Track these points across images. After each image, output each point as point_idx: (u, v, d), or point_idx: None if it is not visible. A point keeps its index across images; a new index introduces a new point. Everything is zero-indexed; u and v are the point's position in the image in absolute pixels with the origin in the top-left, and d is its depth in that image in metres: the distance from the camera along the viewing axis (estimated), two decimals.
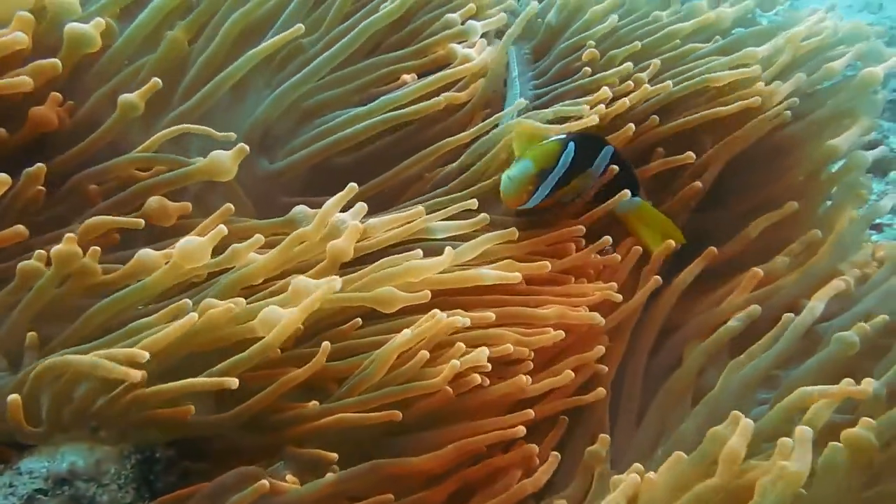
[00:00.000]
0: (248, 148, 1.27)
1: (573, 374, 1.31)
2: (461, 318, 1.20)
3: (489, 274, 1.29)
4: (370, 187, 1.50)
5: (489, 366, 1.21)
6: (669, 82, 1.59)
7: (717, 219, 1.67)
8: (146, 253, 1.14)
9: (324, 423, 1.16)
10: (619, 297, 1.40)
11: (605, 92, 1.55)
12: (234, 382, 1.06)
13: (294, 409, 1.18)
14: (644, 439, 1.36)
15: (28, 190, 1.21)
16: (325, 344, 1.13)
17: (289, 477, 1.15)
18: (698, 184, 1.60)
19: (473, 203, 1.39)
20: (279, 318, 1.08)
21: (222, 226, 1.13)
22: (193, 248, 1.10)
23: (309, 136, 1.50)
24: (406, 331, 1.16)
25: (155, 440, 1.13)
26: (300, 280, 1.13)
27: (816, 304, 1.37)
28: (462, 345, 1.20)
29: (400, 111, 1.50)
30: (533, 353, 1.28)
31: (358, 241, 1.22)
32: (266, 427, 1.19)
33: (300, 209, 1.30)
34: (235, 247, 1.15)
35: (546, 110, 1.57)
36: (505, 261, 1.36)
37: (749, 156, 1.66)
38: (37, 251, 1.12)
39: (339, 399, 1.19)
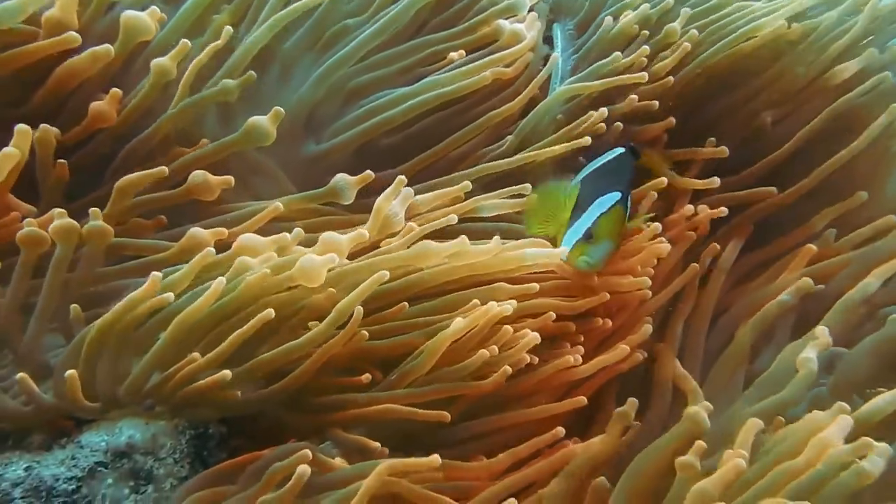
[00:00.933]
0: (282, 111, 1.30)
1: (627, 348, 1.32)
2: (509, 307, 1.20)
3: (533, 253, 1.28)
4: (416, 163, 1.51)
5: (538, 338, 1.22)
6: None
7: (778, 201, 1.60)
8: (198, 231, 1.18)
9: (371, 411, 1.18)
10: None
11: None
12: (270, 313, 1.09)
13: (342, 392, 1.20)
14: None
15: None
16: (359, 310, 1.13)
17: (337, 459, 1.18)
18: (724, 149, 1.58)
19: (526, 187, 1.40)
20: (315, 263, 1.09)
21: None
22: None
23: (354, 117, 1.50)
24: (458, 319, 1.16)
25: (207, 417, 1.17)
26: (329, 234, 1.15)
27: (871, 282, 1.32)
28: (509, 328, 1.20)
29: (445, 89, 1.49)
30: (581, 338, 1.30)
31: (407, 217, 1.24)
32: (313, 409, 1.21)
33: (341, 177, 1.31)
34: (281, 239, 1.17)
35: (558, 90, 1.55)
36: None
37: (812, 133, 1.60)
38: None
39: (389, 387, 1.20)
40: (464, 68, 1.51)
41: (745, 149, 1.63)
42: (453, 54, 1.55)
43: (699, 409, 1.08)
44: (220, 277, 1.08)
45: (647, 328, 1.35)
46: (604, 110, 1.51)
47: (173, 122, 1.32)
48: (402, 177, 1.26)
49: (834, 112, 1.58)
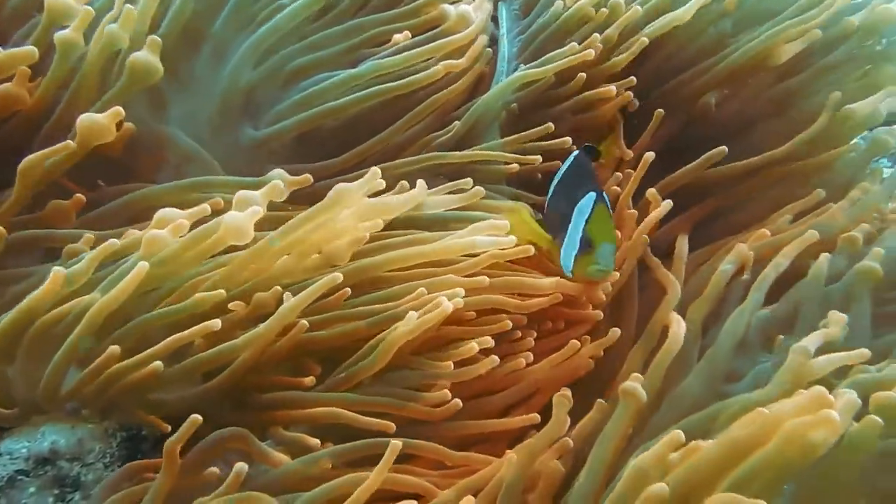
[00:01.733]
0: (159, 40, 1.23)
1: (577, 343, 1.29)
2: (460, 300, 1.15)
3: (483, 241, 1.23)
4: (361, 151, 1.45)
5: (497, 361, 1.20)
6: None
7: (721, 174, 1.59)
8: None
9: (315, 413, 1.13)
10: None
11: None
12: (216, 324, 1.04)
13: (286, 388, 1.15)
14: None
15: None
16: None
17: (280, 456, 1.12)
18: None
19: (468, 182, 1.36)
20: (240, 219, 1.03)
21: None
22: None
23: (295, 102, 1.43)
24: (411, 314, 1.11)
25: (140, 419, 1.10)
26: (242, 192, 1.09)
27: (781, 262, 1.32)
28: (474, 345, 1.17)
29: (395, 83, 1.44)
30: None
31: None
32: (254, 406, 1.15)
33: (277, 174, 1.25)
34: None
35: (512, 76, 1.51)
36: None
37: (755, 109, 1.60)
38: None
39: (336, 386, 1.15)
40: (410, 53, 1.46)
41: (690, 129, 1.62)
42: (398, 36, 1.50)
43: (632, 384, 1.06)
44: (141, 263, 1.01)
45: (615, 332, 1.31)
46: (549, 125, 1.50)
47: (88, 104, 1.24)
48: (376, 169, 1.14)
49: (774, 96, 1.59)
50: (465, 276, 1.21)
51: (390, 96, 1.47)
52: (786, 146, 1.55)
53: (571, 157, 1.48)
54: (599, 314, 1.37)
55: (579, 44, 1.51)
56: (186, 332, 1.03)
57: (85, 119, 1.15)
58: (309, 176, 1.24)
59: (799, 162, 1.59)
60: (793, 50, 1.58)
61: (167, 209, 1.09)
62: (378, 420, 1.12)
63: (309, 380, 1.12)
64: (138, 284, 1.01)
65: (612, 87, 1.53)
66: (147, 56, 1.23)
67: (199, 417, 1.00)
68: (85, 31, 1.21)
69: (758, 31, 1.56)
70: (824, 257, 1.32)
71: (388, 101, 1.48)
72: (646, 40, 1.54)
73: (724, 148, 1.54)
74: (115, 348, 1.00)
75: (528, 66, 1.53)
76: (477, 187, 1.35)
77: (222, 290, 1.07)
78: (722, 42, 1.59)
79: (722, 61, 1.57)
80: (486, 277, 1.21)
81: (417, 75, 1.45)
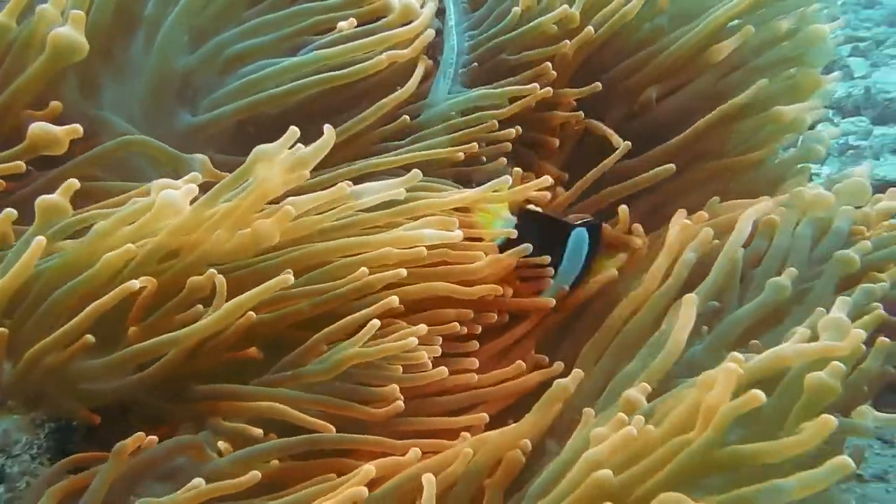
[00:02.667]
0: (82, 13, 1.17)
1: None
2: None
3: (433, 234, 1.22)
4: None
5: (445, 372, 1.19)
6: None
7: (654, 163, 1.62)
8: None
9: (259, 407, 1.10)
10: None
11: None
12: (134, 285, 1.00)
13: (228, 372, 1.13)
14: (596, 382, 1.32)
15: None
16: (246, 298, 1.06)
17: (221, 444, 1.10)
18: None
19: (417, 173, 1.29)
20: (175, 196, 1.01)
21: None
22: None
23: (234, 89, 1.40)
24: (374, 324, 1.11)
25: (70, 410, 1.06)
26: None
27: (689, 255, 1.34)
28: (423, 354, 1.17)
29: (338, 73, 1.41)
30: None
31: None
32: (192, 397, 1.13)
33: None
34: None
35: (473, 95, 1.51)
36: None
37: (693, 105, 1.65)
38: None
39: (283, 382, 1.13)
40: (353, 45, 1.44)
41: (633, 123, 1.65)
42: (343, 24, 1.48)
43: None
44: (38, 237, 0.97)
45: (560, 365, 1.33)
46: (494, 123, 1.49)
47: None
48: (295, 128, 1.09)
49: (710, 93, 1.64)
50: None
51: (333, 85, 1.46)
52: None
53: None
54: (548, 302, 1.38)
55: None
56: (107, 296, 0.98)
57: (36, 128, 1.10)
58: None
59: (731, 159, 1.64)
60: (729, 47, 1.62)
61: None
62: (319, 421, 1.10)
63: (253, 350, 1.12)
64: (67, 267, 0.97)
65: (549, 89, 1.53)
66: (70, 31, 1.16)
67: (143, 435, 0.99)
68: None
69: (692, 25, 1.60)
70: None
71: (331, 91, 1.46)
72: (591, 29, 1.56)
73: (672, 166, 1.57)
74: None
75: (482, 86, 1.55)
76: (414, 170, 1.29)
77: (130, 245, 1.02)
78: (658, 37, 1.63)
79: (660, 54, 1.61)
80: (423, 249, 1.20)
81: (361, 65, 1.42)
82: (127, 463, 0.99)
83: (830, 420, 0.91)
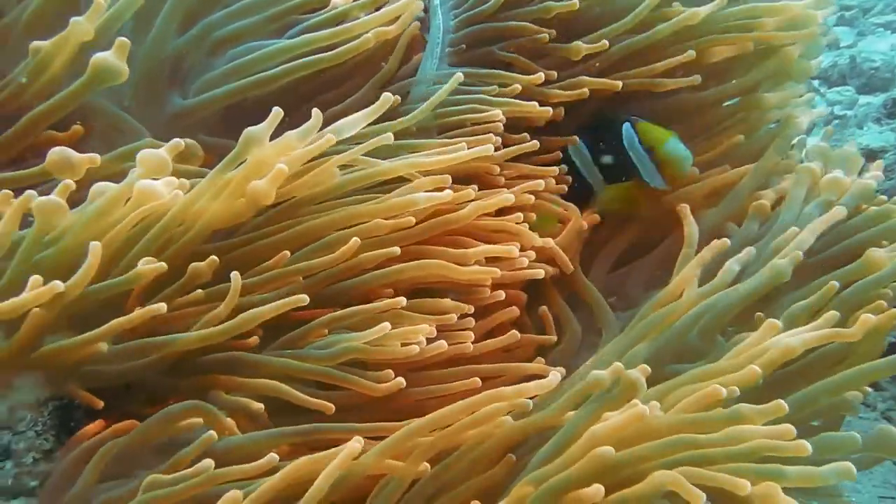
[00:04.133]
0: (128, 42, 1.19)
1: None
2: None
3: (427, 196, 1.24)
4: None
5: (444, 346, 1.20)
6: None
7: None
8: None
9: (257, 384, 1.12)
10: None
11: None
12: (162, 308, 1.02)
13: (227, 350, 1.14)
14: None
15: None
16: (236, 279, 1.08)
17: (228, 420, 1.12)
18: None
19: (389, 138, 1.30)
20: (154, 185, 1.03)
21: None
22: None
23: (223, 72, 1.42)
24: (384, 326, 1.13)
25: (72, 392, 1.08)
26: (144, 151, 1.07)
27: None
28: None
29: (326, 55, 1.42)
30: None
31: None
32: (193, 371, 1.14)
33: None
34: None
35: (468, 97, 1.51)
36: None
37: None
38: None
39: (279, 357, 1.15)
40: (342, 27, 1.44)
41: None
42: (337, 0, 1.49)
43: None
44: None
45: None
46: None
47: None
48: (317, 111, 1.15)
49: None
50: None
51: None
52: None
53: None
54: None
55: None
56: (133, 315, 1.02)
57: (56, 153, 1.07)
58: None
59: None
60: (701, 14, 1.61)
61: (101, 183, 1.07)
62: (319, 401, 1.12)
63: (253, 340, 1.13)
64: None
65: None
66: (111, 58, 1.18)
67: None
68: None
69: None
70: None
71: (319, 71, 1.47)
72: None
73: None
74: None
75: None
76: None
77: (164, 264, 1.05)
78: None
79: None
80: (412, 218, 1.22)
81: (348, 45, 1.43)
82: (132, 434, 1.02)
83: None
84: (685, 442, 0.98)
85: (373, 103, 1.46)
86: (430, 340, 1.19)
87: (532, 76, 1.54)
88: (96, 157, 1.09)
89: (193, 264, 1.11)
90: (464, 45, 1.59)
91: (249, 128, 1.09)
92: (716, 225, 1.56)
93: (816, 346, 1.15)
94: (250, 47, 1.44)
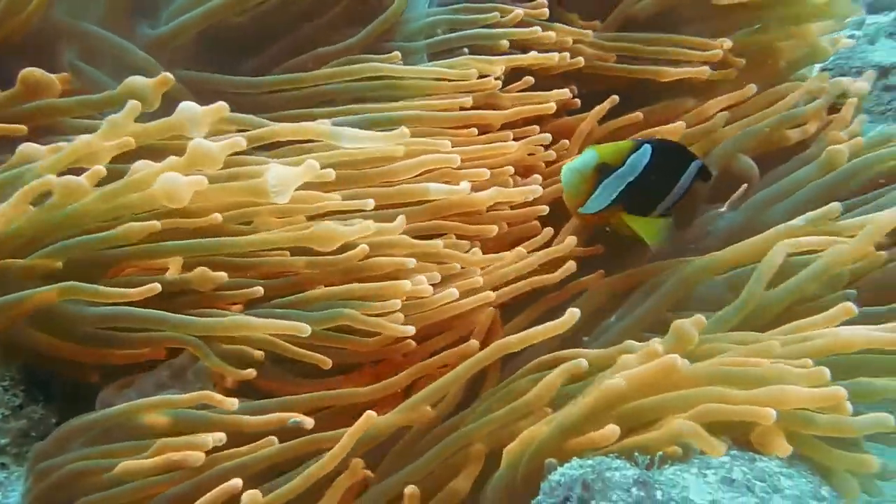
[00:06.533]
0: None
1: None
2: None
3: (437, 188, 1.18)
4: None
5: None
6: None
7: None
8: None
9: (254, 339, 1.06)
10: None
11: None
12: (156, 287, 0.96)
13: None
14: None
15: None
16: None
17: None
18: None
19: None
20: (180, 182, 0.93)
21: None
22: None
23: None
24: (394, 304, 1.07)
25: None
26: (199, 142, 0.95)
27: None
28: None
29: None
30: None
31: None
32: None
33: (187, 108, 0.98)
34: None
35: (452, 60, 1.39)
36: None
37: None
38: None
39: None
40: None
41: None
42: None
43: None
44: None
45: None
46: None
47: None
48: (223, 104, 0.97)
49: None
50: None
51: None
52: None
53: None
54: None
55: None
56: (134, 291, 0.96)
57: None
58: (223, 105, 0.99)
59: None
60: None
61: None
62: (317, 355, 1.06)
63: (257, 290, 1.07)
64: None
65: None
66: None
67: None
68: None
69: None
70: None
71: None
72: None
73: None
74: None
75: None
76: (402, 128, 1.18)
77: (156, 222, 0.99)
78: None
79: None
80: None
81: None
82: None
83: None
84: (714, 395, 0.91)
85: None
86: None
87: (534, 6, 1.43)
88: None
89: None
90: None
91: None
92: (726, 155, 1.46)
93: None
94: None
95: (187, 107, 0.96)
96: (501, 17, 1.41)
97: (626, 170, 1.24)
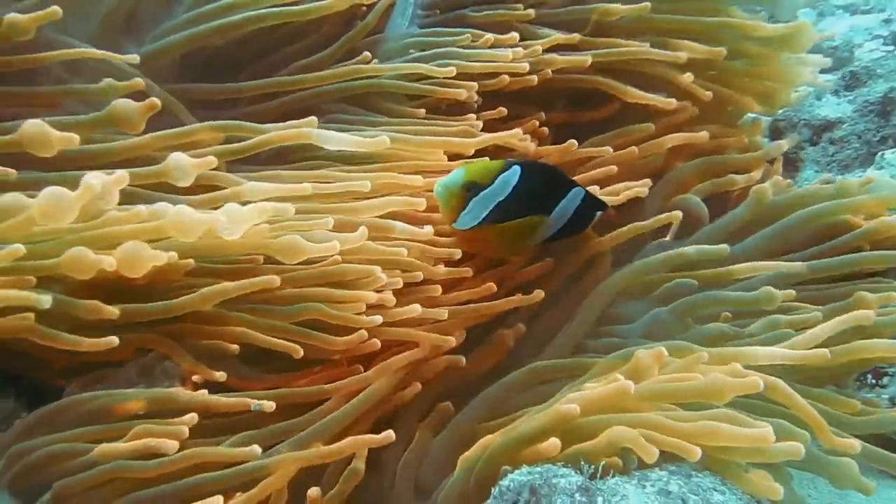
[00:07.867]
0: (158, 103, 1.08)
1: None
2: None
3: (401, 228, 1.22)
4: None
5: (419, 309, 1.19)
6: None
7: None
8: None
9: (224, 332, 1.09)
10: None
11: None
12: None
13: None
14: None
15: None
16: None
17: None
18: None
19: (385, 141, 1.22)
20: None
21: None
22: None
23: (181, 21, 1.37)
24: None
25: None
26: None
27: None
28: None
29: (294, 9, 1.36)
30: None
31: None
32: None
33: (177, 158, 1.02)
34: None
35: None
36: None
37: None
38: None
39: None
40: None
41: None
42: None
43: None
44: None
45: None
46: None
47: None
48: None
49: None
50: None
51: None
52: None
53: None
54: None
55: None
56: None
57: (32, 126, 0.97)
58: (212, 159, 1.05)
59: None
60: None
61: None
62: (290, 344, 1.10)
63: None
64: None
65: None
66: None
67: None
68: None
69: None
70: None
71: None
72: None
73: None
74: None
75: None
76: (382, 137, 1.22)
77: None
78: None
79: None
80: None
81: (317, 3, 1.37)
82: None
83: None
84: (651, 422, 0.97)
85: (341, 57, 1.46)
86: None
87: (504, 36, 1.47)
88: (75, 138, 0.98)
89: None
90: (437, 10, 1.56)
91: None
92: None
93: None
94: None
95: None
96: (473, 40, 1.45)
97: (495, 189, 1.28)
